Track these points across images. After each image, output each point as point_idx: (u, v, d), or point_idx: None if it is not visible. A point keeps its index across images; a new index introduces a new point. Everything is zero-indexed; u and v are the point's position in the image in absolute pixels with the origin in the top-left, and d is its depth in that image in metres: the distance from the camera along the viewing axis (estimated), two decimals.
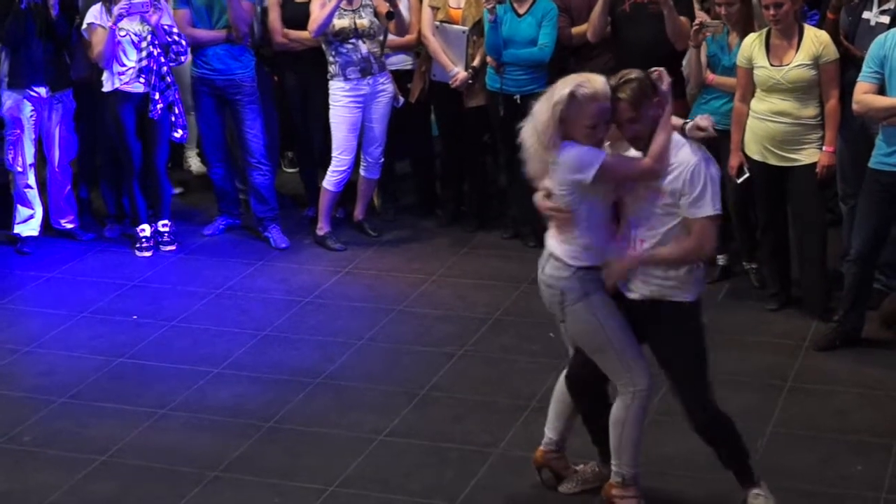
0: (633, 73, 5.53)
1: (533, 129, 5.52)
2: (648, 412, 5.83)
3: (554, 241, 5.74)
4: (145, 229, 9.34)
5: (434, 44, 9.27)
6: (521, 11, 8.97)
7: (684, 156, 5.46)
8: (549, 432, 6.14)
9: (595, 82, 5.47)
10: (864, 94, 7.26)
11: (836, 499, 6.05)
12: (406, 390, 7.25)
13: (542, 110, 5.48)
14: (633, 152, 5.58)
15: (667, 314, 5.62)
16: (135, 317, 8.32)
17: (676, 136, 5.51)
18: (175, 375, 7.51)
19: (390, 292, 8.62)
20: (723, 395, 6.95)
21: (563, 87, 5.45)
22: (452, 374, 7.47)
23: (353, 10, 9.00)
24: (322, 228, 9.40)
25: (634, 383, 5.70)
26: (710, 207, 5.45)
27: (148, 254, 9.30)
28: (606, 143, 5.59)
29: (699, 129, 5.52)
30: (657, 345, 5.74)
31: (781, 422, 6.77)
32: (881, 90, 7.24)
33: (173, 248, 9.39)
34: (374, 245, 9.46)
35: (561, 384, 6.06)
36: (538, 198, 5.69)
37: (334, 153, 9.22)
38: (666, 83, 5.58)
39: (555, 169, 5.51)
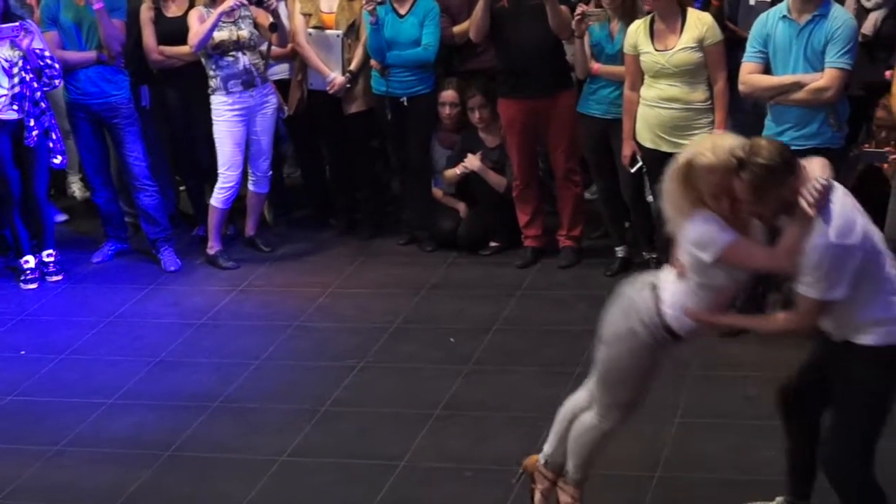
0: (764, 152, 4.90)
1: (665, 194, 5.18)
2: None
3: (669, 280, 5.27)
4: (29, 261, 9.08)
5: (308, 51, 9.13)
6: (402, 12, 8.86)
7: (813, 238, 4.89)
8: (547, 447, 5.74)
9: (719, 152, 4.96)
10: (749, 75, 7.25)
11: (748, 485, 5.98)
12: (308, 407, 7.11)
13: (667, 179, 5.15)
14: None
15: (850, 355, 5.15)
16: (23, 352, 8.09)
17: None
18: (68, 409, 7.31)
19: (287, 308, 8.47)
20: None
21: (685, 153, 5.10)
22: (355, 387, 7.34)
23: (232, 22, 8.82)
24: (213, 247, 9.22)
25: (605, 418, 5.44)
26: (814, 290, 4.92)
27: (33, 286, 9.05)
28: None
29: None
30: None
31: (689, 411, 6.71)
32: (766, 69, 7.23)
33: (60, 277, 9.16)
34: (268, 260, 9.30)
35: (577, 401, 5.63)
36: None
37: (221, 169, 9.04)
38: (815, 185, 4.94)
39: (682, 236, 5.13)
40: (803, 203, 4.86)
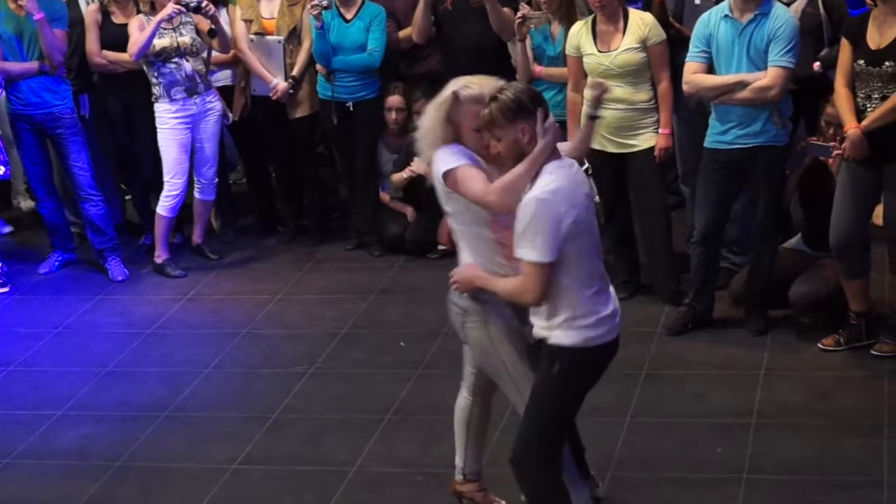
0: (504, 94, 4.96)
1: (422, 127, 5.29)
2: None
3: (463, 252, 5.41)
4: None
5: (250, 57, 9.11)
6: (348, 17, 8.85)
7: (530, 191, 4.91)
8: (458, 461, 5.86)
9: (483, 85, 5.12)
10: (693, 74, 7.29)
11: (698, 483, 6.01)
12: (258, 415, 7.08)
13: (429, 109, 5.26)
14: None
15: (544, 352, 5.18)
16: None
17: (552, 165, 4.97)
18: (16, 422, 7.25)
19: (235, 316, 8.43)
20: None
21: (449, 87, 5.21)
22: (305, 394, 7.32)
23: (173, 29, 8.78)
24: (160, 256, 9.17)
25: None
26: (529, 251, 4.89)
27: None
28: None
29: None
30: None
31: (640, 410, 6.73)
32: (710, 69, 7.26)
33: (6, 289, 9.10)
34: (216, 268, 9.26)
35: (460, 405, 5.78)
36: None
37: (166, 177, 9.00)
38: (548, 123, 4.96)
39: (433, 169, 5.25)
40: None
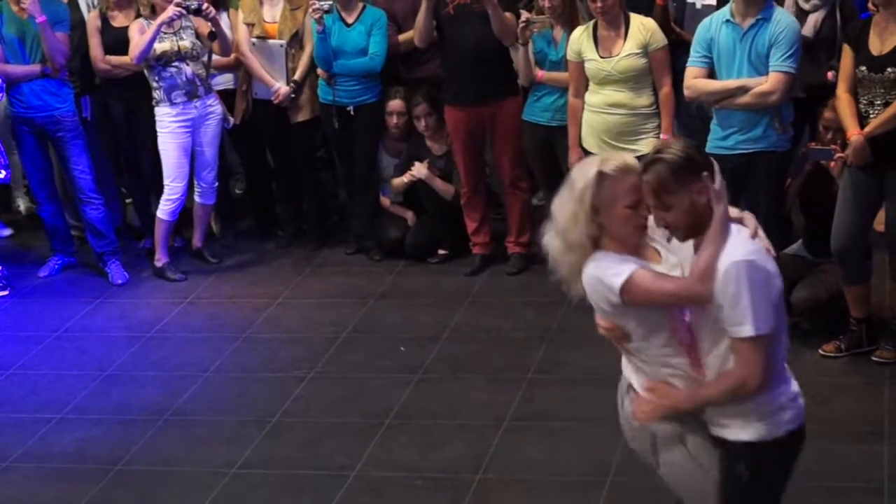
0: (670, 152, 4.24)
1: (556, 230, 4.39)
2: None
3: (628, 369, 4.60)
4: None
5: (252, 61, 9.10)
6: (349, 21, 8.85)
7: (723, 256, 4.21)
8: None
9: (621, 155, 4.38)
10: (694, 79, 7.27)
11: None
12: (257, 419, 7.07)
13: (565, 204, 4.36)
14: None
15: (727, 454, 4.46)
16: None
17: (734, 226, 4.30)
18: (15, 425, 7.24)
19: (234, 319, 8.42)
20: (578, 394, 6.95)
21: (584, 171, 4.32)
22: (304, 398, 7.31)
23: (173, 33, 8.77)
24: (160, 259, 9.16)
25: None
26: (744, 326, 4.19)
27: None
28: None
29: None
30: None
31: None
32: (711, 74, 7.25)
33: (6, 292, 9.08)
34: (216, 272, 9.25)
35: None
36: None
37: (166, 181, 8.99)
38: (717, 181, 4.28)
39: (587, 290, 4.40)
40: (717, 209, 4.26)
